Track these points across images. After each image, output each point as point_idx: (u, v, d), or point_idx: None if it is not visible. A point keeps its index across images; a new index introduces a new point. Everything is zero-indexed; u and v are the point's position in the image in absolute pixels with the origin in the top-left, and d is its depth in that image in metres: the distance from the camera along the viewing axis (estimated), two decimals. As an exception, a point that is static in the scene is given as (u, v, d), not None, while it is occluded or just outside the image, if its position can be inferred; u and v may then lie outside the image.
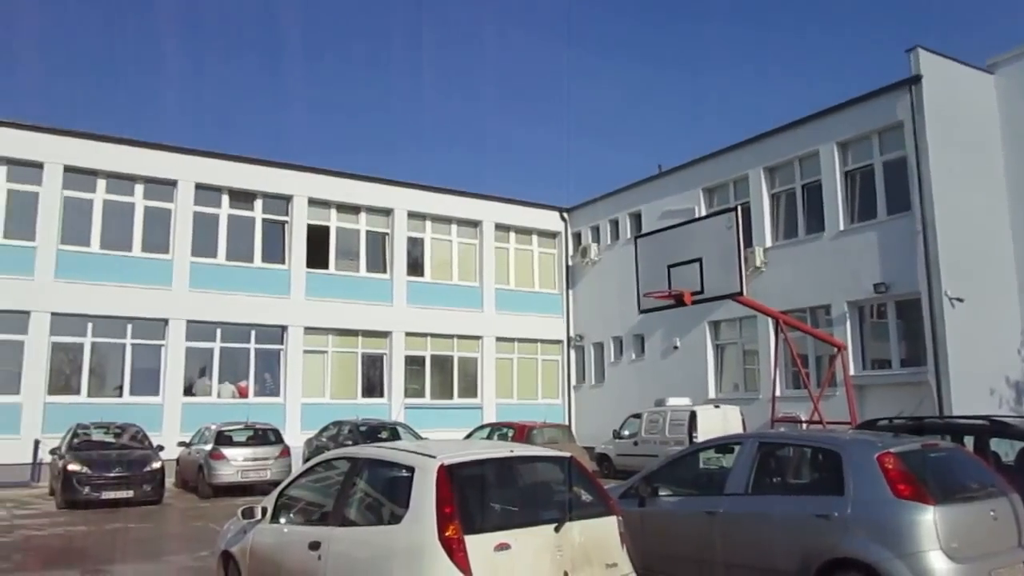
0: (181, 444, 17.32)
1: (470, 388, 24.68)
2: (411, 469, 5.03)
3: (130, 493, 13.92)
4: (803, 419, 16.12)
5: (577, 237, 26.69)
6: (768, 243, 19.81)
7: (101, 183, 19.91)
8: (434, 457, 4.98)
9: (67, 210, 19.38)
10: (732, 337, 20.98)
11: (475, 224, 25.45)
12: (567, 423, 23.99)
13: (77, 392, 19.07)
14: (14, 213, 18.84)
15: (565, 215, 27.03)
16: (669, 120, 62.47)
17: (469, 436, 18.03)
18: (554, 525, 4.90)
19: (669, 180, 23.02)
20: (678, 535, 6.77)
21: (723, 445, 7.85)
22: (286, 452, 16.54)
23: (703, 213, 20.61)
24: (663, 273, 14.06)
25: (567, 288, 26.69)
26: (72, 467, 13.87)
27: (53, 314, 18.71)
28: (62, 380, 19.11)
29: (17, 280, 18.35)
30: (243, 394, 20.95)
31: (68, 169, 19.36)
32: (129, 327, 19.70)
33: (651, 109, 63.88)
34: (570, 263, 26.73)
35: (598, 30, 58.98)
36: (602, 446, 20.18)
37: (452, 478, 4.80)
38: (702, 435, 16.08)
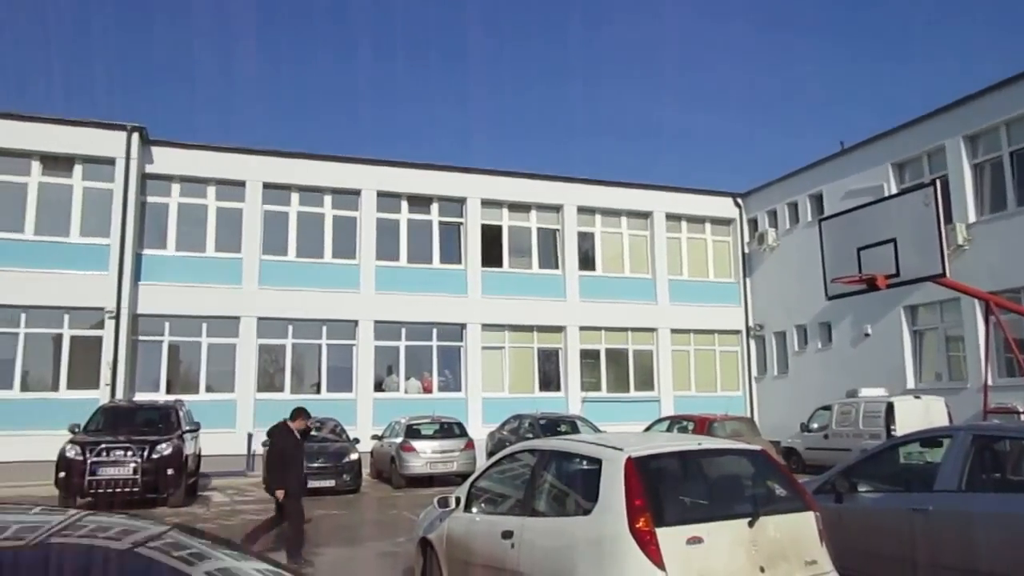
0: (374, 437, 18.42)
1: (646, 381, 24.45)
2: (598, 461, 5.06)
3: (332, 483, 14.93)
4: (1021, 410, 14.61)
5: (753, 223, 25.70)
6: (971, 219, 18.12)
7: (295, 196, 21.57)
8: (620, 449, 4.99)
9: (267, 223, 21.16)
10: (932, 322, 19.37)
11: (645, 215, 25.15)
12: (750, 416, 23.17)
13: (281, 390, 20.78)
14: (223, 228, 20.83)
15: (739, 201, 26.10)
16: (846, 97, 58.64)
17: (648, 429, 17.87)
18: (748, 520, 4.76)
19: (852, 157, 21.62)
20: (880, 533, 6.35)
21: (930, 439, 7.27)
22: (470, 445, 17.15)
23: (893, 190, 19.19)
24: (852, 256, 13.21)
25: (744, 276, 25.77)
26: None
27: (259, 319, 20.51)
28: (267, 379, 20.92)
29: (228, 289, 20.28)
30: (428, 389, 21.95)
31: (267, 186, 21.16)
32: (324, 329, 21.20)
33: (823, 87, 60.26)
34: (746, 250, 25.78)
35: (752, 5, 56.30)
36: (789, 440, 19.30)
37: (640, 470, 4.79)
38: (901, 428, 14.96)
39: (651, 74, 62.49)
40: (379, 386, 21.67)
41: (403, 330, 21.93)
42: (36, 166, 19.17)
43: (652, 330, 24.53)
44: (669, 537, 4.52)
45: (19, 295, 18.35)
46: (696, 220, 25.89)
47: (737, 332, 25.54)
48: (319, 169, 21.70)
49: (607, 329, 24.05)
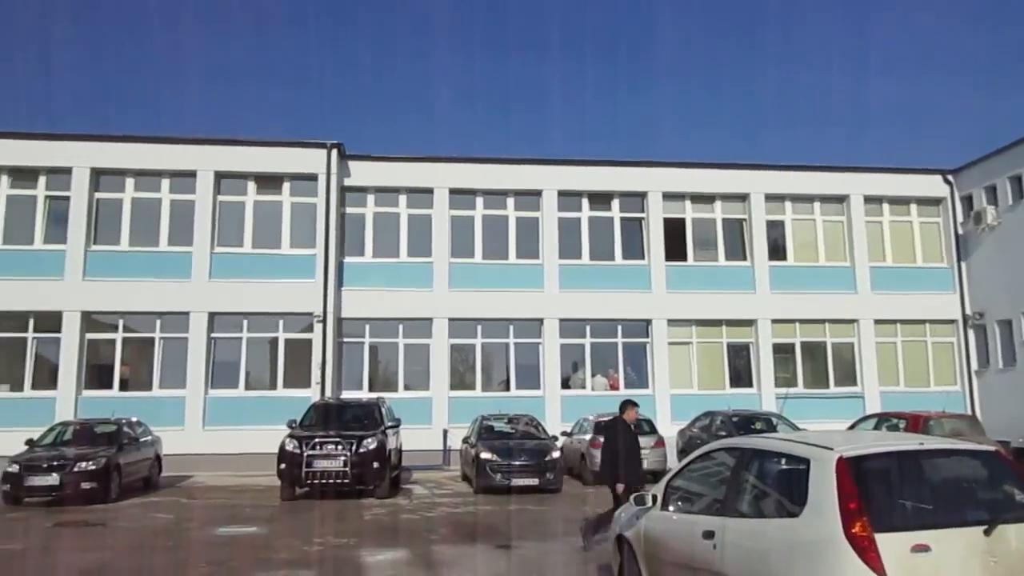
0: (564, 434, 18.59)
1: (847, 376, 22.91)
2: (805, 461, 4.78)
3: (535, 481, 14.86)
4: None
5: (967, 201, 23.33)
6: None
7: (479, 200, 22.26)
8: (831, 448, 4.68)
9: (454, 228, 21.97)
10: None
11: (841, 199, 23.56)
12: (971, 413, 21.08)
13: (472, 388, 21.51)
14: (414, 234, 21.89)
15: (949, 178, 23.80)
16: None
17: (852, 427, 16.71)
18: (983, 527, 4.30)
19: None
20: None
21: None
22: (661, 443, 16.87)
23: None
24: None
25: (958, 260, 23.46)
26: (484, 455, 15.11)
27: (450, 319, 21.36)
28: (458, 377, 21.74)
29: (421, 292, 21.30)
30: (614, 386, 21.85)
31: (453, 191, 22.00)
32: (511, 328, 21.71)
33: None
34: (960, 231, 23.47)
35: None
36: (1021, 440, 17.35)
37: (854, 471, 4.46)
38: None
39: (843, 51, 58.51)
40: (566, 383, 21.87)
41: (587, 327, 21.99)
42: (252, 186, 21.15)
43: (852, 321, 22.94)
44: (890, 544, 4.17)
45: (240, 303, 20.33)
46: (900, 201, 23.91)
47: (952, 322, 23.30)
48: (502, 172, 22.25)
49: (802, 321, 22.78)
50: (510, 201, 22.41)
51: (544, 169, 22.47)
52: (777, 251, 23.16)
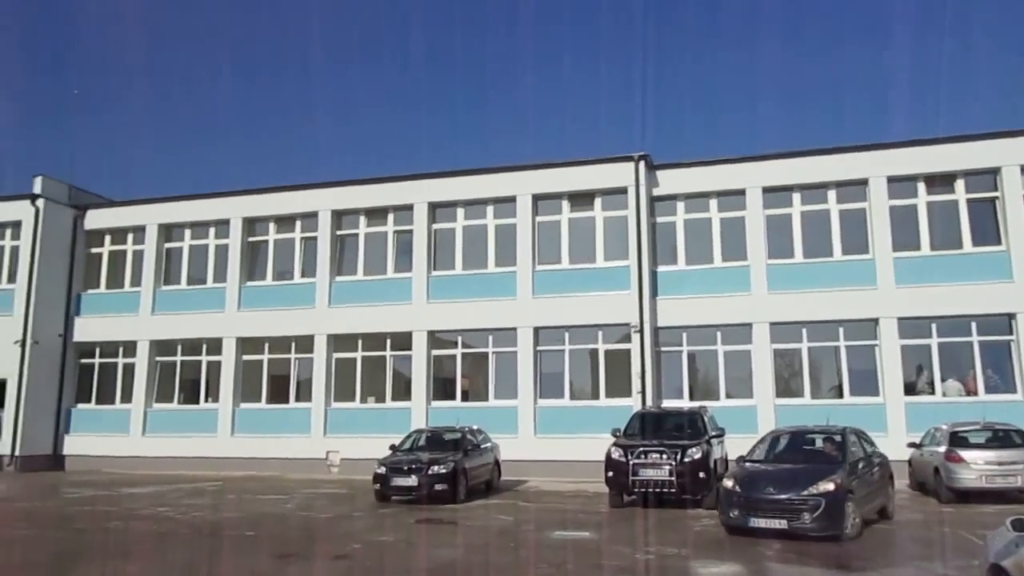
0: (911, 445, 16.72)
1: None
2: None
3: (783, 524, 10.66)
4: None
5: None
6: None
7: (796, 196, 21.00)
8: None
9: (769, 227, 20.94)
10: None
11: None
12: None
13: (800, 395, 20.23)
14: (727, 238, 21.27)
15: None
16: None
17: None
18: None
19: None
20: None
21: None
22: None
23: None
24: None
25: None
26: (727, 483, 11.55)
27: (771, 324, 20.36)
28: (783, 383, 20.58)
29: (738, 297, 20.60)
30: (971, 391, 19.18)
31: (766, 190, 21.04)
32: (841, 330, 20.08)
33: None
34: None
35: None
36: None
37: None
38: None
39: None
40: (910, 389, 19.65)
41: (932, 326, 19.57)
42: (566, 205, 22.17)
43: None
44: None
45: (561, 317, 21.37)
46: None
47: None
48: (822, 164, 20.75)
49: None
50: (831, 194, 20.81)
51: (873, 155, 20.49)
52: None
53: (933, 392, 19.46)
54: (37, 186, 25.33)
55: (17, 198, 25.25)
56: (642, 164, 21.37)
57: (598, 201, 21.98)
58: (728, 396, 20.62)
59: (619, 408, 19.47)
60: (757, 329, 20.45)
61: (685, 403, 19.81)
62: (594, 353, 21.45)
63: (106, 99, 73.73)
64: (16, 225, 25.29)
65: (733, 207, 21.36)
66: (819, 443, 12.47)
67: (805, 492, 10.34)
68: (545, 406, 21.33)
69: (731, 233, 21.30)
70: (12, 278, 25.10)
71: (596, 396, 21.21)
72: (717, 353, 20.88)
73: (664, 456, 14.09)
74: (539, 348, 21.66)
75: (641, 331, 20.51)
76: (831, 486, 10.35)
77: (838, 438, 12.03)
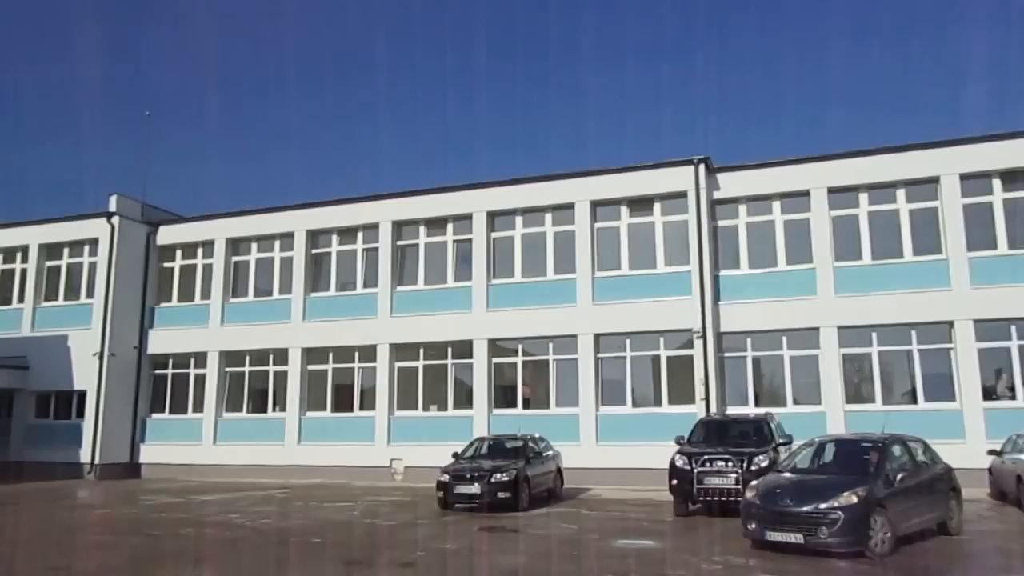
0: (991, 452, 16.05)
1: None
2: None
3: (798, 537, 9.93)
4: None
5: None
6: None
7: (863, 196, 20.42)
8: None
9: (836, 229, 20.42)
10: None
11: None
12: None
13: (871, 400, 19.60)
14: (791, 241, 20.83)
15: None
16: None
17: None
18: None
19: None
20: None
21: None
22: None
23: None
24: None
25: None
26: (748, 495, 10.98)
27: (839, 327, 19.81)
28: (853, 389, 19.98)
29: (804, 300, 20.15)
30: (1055, 397, 18.30)
31: (832, 190, 20.55)
32: (913, 333, 19.43)
33: None
34: None
35: None
36: None
37: None
38: None
39: None
40: (989, 393, 18.86)
41: (1012, 328, 18.78)
42: (624, 210, 22.01)
43: None
44: None
45: (622, 323, 21.22)
46: None
47: None
48: (890, 163, 20.14)
49: None
50: (900, 193, 20.16)
51: (944, 152, 19.75)
52: None
53: (1014, 397, 18.66)
54: (112, 204, 26.38)
55: (94, 216, 26.34)
56: (702, 167, 21.10)
57: (657, 206, 21.76)
58: (795, 402, 20.13)
59: (682, 415, 19.21)
60: (824, 333, 19.93)
61: (750, 410, 19.40)
62: (656, 360, 21.20)
63: (175, 118, 76.43)
64: (93, 242, 26.38)
65: (797, 209, 20.90)
66: (856, 452, 11.53)
67: (825, 505, 9.73)
68: (607, 413, 21.18)
69: (795, 235, 20.84)
70: (90, 293, 26.17)
71: (658, 403, 20.96)
72: (783, 358, 20.42)
73: (730, 464, 13.83)
74: (600, 355, 21.53)
75: (704, 337, 20.20)
76: (853, 499, 9.69)
77: (876, 447, 11.10)
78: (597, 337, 21.50)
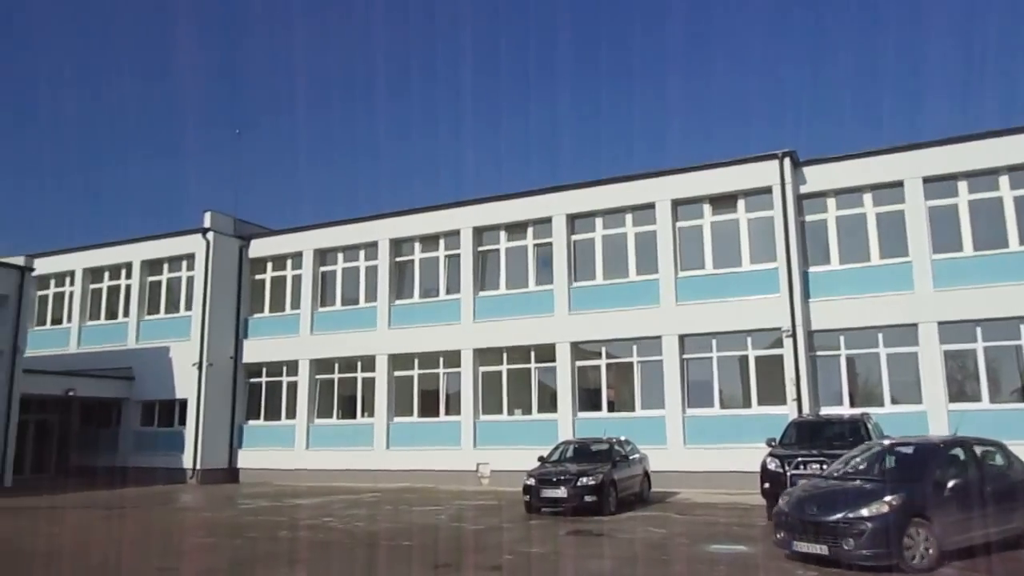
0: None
1: None
2: None
3: (824, 551, 9.51)
4: None
5: None
6: None
7: (962, 185, 19.41)
8: None
9: (932, 220, 19.48)
10: None
11: None
12: None
13: (977, 399, 18.59)
14: (884, 234, 19.98)
15: None
16: None
17: None
18: None
19: None
20: None
21: None
22: None
23: None
24: None
25: None
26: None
27: (939, 323, 18.88)
28: (956, 387, 18.99)
29: (901, 295, 19.27)
30: None
31: (927, 180, 19.60)
32: (1022, 327, 18.34)
33: None
34: None
35: None
36: None
37: None
38: None
39: None
40: (1109, 391, 17.64)
41: None
42: (707, 208, 21.59)
43: None
44: None
45: (708, 324, 20.79)
46: None
47: None
48: (992, 148, 19.04)
49: None
50: (1003, 179, 19.06)
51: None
52: None
53: None
54: (207, 220, 27.56)
55: (190, 232, 27.56)
56: (787, 161, 20.50)
57: (741, 203, 21.26)
58: (894, 402, 19.28)
59: (772, 416, 18.68)
60: (924, 329, 19.02)
61: (845, 410, 18.67)
62: (743, 360, 20.68)
63: (264, 135, 79.24)
64: (190, 257, 27.60)
65: (890, 200, 20.04)
66: (905, 457, 10.68)
67: (852, 514, 9.03)
68: (694, 415, 20.77)
69: (889, 228, 19.99)
70: (188, 306, 27.39)
71: (747, 404, 20.43)
72: (879, 356, 19.58)
73: (824, 466, 13.33)
74: (685, 356, 21.15)
75: (793, 335, 19.59)
76: (884, 508, 8.92)
77: (923, 451, 10.36)
78: (682, 338, 21.13)
